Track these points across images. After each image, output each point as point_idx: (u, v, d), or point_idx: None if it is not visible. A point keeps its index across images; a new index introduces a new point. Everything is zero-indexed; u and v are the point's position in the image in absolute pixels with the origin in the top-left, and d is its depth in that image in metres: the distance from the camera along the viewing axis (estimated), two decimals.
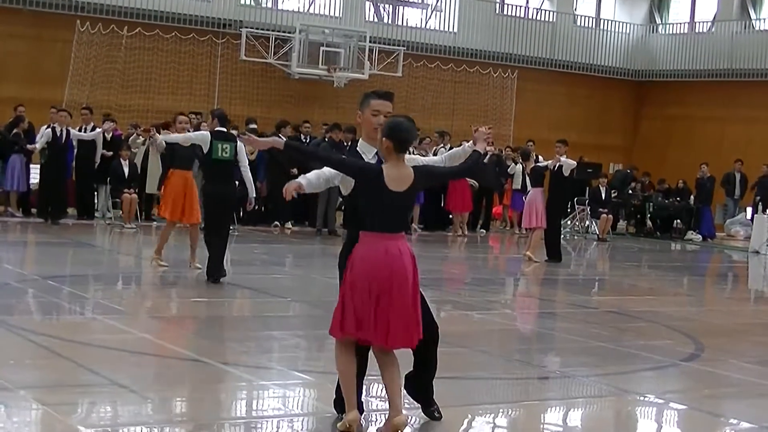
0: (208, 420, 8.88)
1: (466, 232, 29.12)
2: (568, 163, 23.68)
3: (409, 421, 8.13)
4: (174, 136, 18.08)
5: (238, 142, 16.80)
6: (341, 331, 7.96)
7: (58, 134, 24.58)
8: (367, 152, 8.27)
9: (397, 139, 7.79)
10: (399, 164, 7.87)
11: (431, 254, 24.85)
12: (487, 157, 8.88)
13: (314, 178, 8.16)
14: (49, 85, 29.29)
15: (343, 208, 8.53)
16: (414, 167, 8.00)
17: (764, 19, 39.99)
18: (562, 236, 28.41)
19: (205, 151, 16.64)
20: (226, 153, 16.65)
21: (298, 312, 15.15)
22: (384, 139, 7.80)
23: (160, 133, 19.64)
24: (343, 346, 8.04)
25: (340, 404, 8.42)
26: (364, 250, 7.86)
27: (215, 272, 16.46)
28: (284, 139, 8.31)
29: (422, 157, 8.84)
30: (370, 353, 8.16)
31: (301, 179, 8.07)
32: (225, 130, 16.99)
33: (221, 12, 32.68)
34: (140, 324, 12.80)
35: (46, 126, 24.88)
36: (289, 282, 18.11)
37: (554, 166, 23.48)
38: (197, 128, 21.67)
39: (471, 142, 8.46)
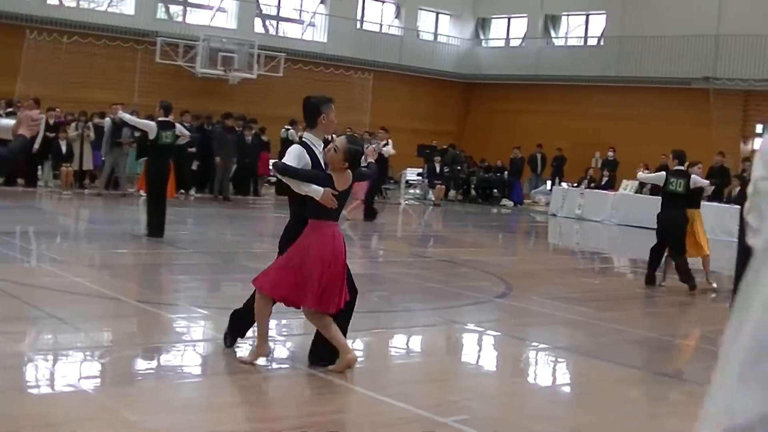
0: (128, 345, 8.83)
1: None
2: (388, 151, 23.99)
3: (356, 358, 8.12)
4: (131, 117, 17.89)
5: (177, 126, 17.10)
6: (270, 292, 7.85)
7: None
8: (317, 144, 8.12)
9: (353, 162, 7.97)
10: (344, 172, 7.93)
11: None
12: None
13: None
14: (3, 80, 28.69)
15: (289, 196, 8.25)
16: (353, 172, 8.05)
17: (561, 38, 40.67)
18: (406, 202, 28.67)
19: (152, 137, 16.46)
20: (168, 139, 16.59)
21: (198, 261, 15.07)
22: (343, 161, 7.87)
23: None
24: (265, 299, 7.92)
25: (230, 337, 8.50)
26: (316, 234, 7.82)
27: (160, 231, 16.34)
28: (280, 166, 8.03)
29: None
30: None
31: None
32: (167, 119, 16.85)
33: (141, 24, 32.29)
34: (74, 270, 12.62)
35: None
36: (192, 237, 17.98)
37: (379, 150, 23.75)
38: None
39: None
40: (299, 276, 7.75)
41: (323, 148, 8.10)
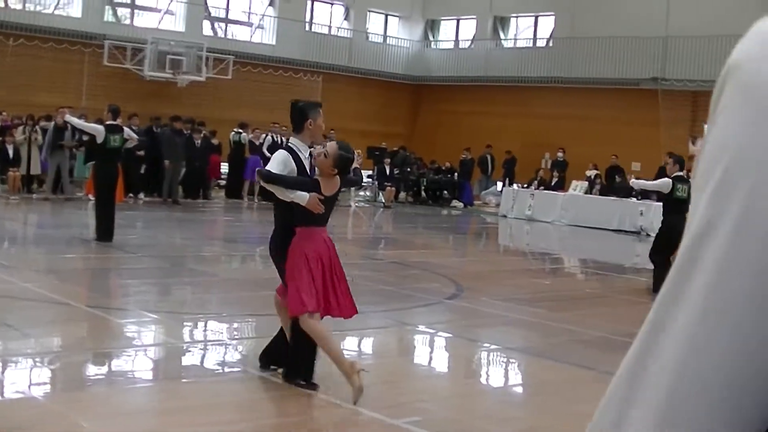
0: (78, 350, 8.77)
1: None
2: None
3: None
4: (79, 121, 17.88)
5: (125, 130, 16.95)
6: (310, 305, 7.46)
7: None
8: (303, 150, 7.94)
9: (342, 169, 7.76)
10: (332, 178, 7.75)
11: (223, 218, 24.74)
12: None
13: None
14: None
15: (274, 202, 8.01)
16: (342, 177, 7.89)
17: (510, 39, 40.92)
18: (356, 204, 28.76)
19: (99, 141, 16.43)
20: (116, 142, 16.57)
21: (147, 265, 14.99)
22: (332, 167, 7.65)
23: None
24: (312, 319, 7.53)
25: (294, 370, 7.88)
26: (307, 242, 7.61)
27: (109, 235, 16.28)
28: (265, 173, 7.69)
29: None
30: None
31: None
32: (116, 123, 16.78)
33: (88, 27, 32.04)
34: (23, 275, 12.50)
35: None
36: (141, 241, 17.87)
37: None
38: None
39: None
40: (318, 282, 7.55)
41: (308, 154, 7.99)
